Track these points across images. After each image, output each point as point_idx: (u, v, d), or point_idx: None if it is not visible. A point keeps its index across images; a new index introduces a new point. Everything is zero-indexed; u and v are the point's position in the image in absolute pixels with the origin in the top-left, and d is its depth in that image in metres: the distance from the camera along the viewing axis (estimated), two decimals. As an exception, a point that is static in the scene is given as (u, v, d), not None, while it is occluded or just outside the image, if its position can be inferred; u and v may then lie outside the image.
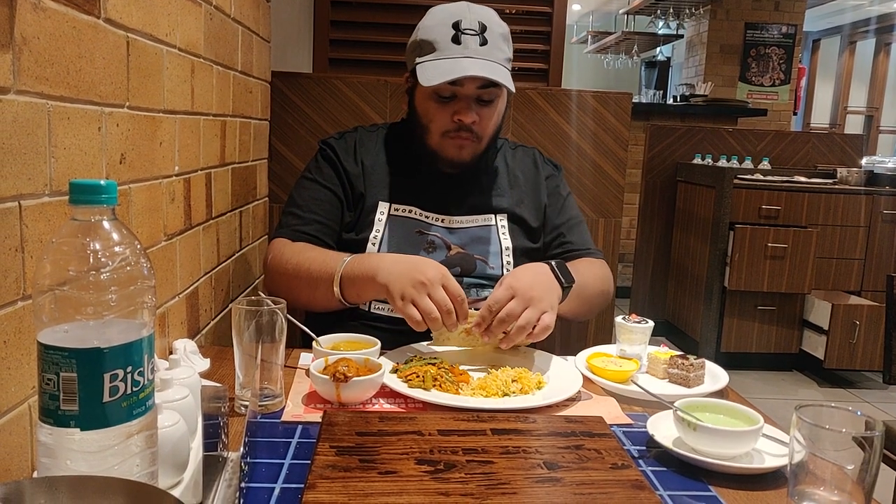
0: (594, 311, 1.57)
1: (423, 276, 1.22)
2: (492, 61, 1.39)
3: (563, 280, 1.32)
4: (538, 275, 1.30)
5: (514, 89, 1.42)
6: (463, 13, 1.42)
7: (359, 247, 1.46)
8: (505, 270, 1.48)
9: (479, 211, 1.53)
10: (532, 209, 1.58)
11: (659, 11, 7.07)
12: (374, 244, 1.46)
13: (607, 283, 1.55)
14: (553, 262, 1.34)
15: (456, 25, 1.41)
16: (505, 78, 1.40)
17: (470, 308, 1.25)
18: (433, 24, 1.44)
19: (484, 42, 1.40)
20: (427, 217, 1.50)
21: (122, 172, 1.03)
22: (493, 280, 1.37)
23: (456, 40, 1.40)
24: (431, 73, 1.38)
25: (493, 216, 1.54)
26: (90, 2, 0.91)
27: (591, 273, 1.50)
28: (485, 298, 1.32)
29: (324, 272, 1.35)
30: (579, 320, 1.57)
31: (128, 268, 0.64)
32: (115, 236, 0.64)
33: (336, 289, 1.33)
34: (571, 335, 2.14)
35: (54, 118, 0.83)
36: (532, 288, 1.24)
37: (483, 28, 1.41)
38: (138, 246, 0.66)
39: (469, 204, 1.53)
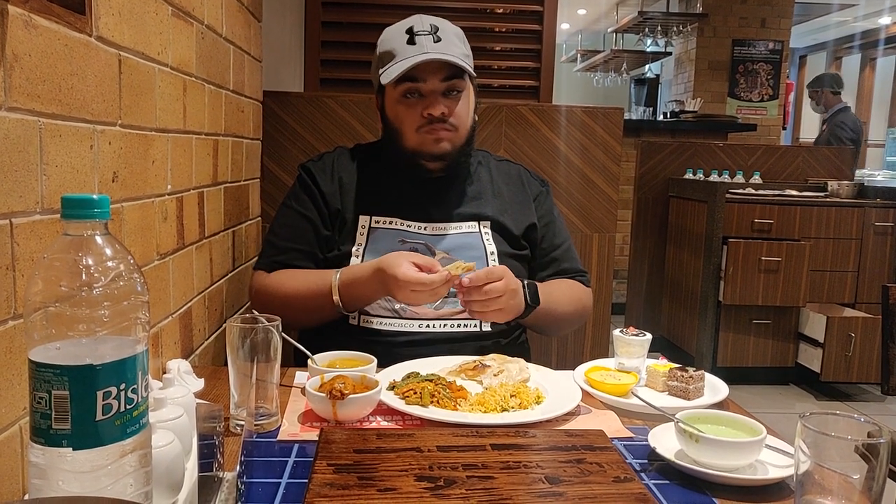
0: (563, 329, 1.66)
1: (397, 286, 1.31)
2: (449, 54, 1.45)
3: (529, 300, 1.42)
4: (516, 283, 1.40)
5: (474, 73, 1.50)
6: (415, 21, 1.50)
7: (342, 260, 1.49)
8: None
9: (462, 219, 1.55)
10: (516, 221, 1.59)
11: (647, 29, 7.13)
12: (357, 256, 1.48)
13: (580, 304, 1.60)
14: (524, 283, 1.42)
15: (409, 31, 1.48)
16: (464, 64, 1.46)
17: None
18: (389, 37, 1.52)
19: (438, 39, 1.47)
20: (409, 226, 1.52)
21: (114, 191, 1.02)
22: None
23: (411, 42, 1.47)
24: (392, 72, 1.45)
25: (476, 223, 1.56)
26: (82, 20, 0.91)
27: (566, 294, 1.56)
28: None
29: (319, 290, 1.41)
30: (547, 334, 1.70)
31: (121, 283, 0.63)
32: (108, 251, 0.64)
33: (336, 297, 1.40)
34: (568, 350, 2.13)
35: (46, 135, 0.83)
36: (516, 292, 1.38)
37: (435, 28, 1.48)
38: (131, 261, 0.65)
39: (451, 211, 1.55)
